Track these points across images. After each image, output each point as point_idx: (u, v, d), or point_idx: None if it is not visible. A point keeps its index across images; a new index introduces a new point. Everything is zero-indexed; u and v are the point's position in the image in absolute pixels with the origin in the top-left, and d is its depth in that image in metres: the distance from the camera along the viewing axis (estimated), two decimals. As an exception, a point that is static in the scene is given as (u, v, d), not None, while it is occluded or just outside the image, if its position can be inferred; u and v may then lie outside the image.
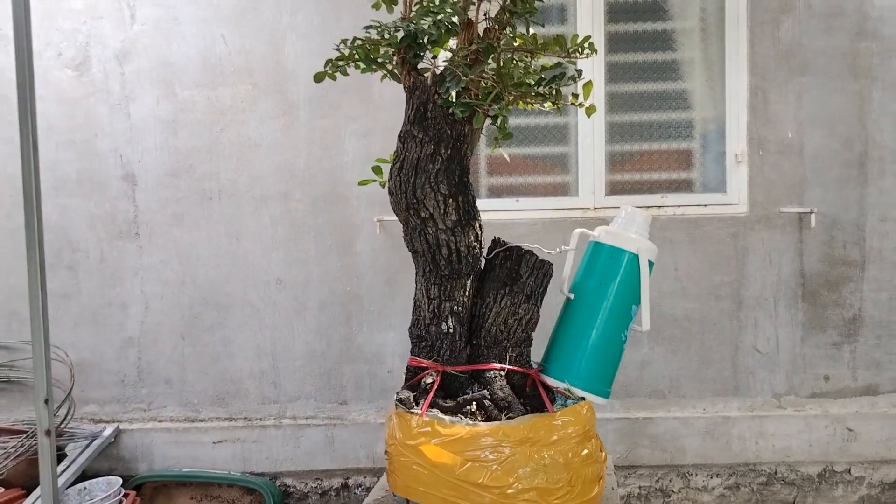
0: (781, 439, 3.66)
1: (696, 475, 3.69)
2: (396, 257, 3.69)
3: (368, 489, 3.68)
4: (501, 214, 3.70)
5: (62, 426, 3.49)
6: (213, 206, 3.77)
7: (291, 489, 3.76)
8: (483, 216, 3.20)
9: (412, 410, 1.85)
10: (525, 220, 3.68)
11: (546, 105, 1.87)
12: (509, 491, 1.73)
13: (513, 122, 3.44)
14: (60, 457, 3.49)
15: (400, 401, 1.91)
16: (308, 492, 3.76)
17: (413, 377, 1.97)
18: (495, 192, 3.80)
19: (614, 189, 3.76)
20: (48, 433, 2.51)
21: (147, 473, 3.71)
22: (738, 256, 3.68)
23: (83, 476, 3.52)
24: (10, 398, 3.79)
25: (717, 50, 3.72)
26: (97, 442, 3.59)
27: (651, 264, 2.05)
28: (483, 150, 3.77)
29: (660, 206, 3.71)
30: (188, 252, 3.79)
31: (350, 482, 3.75)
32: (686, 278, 3.69)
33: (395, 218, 2.02)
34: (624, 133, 3.76)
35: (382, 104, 3.66)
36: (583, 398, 1.95)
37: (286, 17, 3.70)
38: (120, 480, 3.47)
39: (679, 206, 3.71)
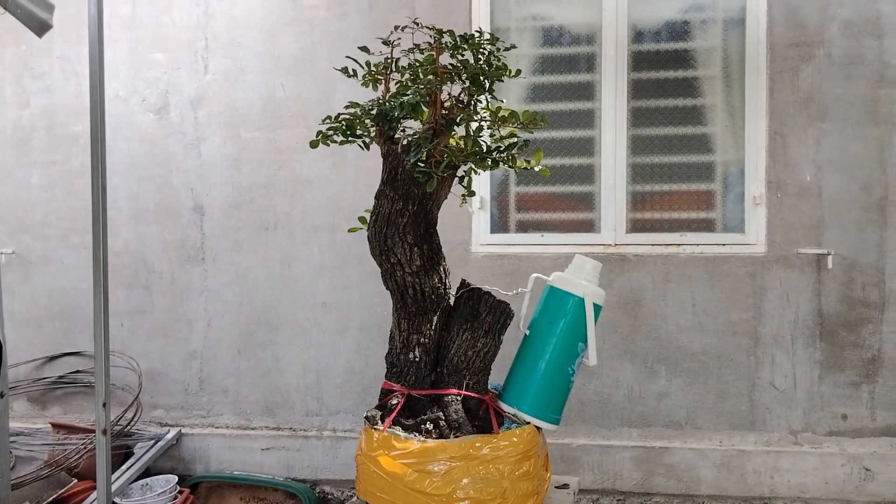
0: (797, 475, 3.74)
1: (711, 506, 3.82)
2: (428, 286, 3.99)
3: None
4: (527, 248, 3.95)
5: (129, 427, 3.96)
6: (269, 235, 4.21)
7: (329, 496, 4.11)
8: (510, 249, 3.57)
9: (375, 426, 2.17)
10: (549, 254, 3.92)
11: (502, 166, 2.16)
12: (447, 499, 2.01)
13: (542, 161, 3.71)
14: (128, 455, 3.97)
15: (367, 418, 2.23)
16: (343, 499, 4.10)
17: (384, 398, 2.29)
18: (522, 227, 4.05)
19: (635, 227, 3.95)
20: (104, 432, 2.98)
21: (203, 474, 4.13)
22: (755, 295, 3.80)
23: (147, 472, 3.98)
24: (92, 401, 4.32)
25: (738, 96, 3.87)
26: (160, 443, 4.05)
27: (598, 307, 2.29)
28: (513, 188, 4.05)
29: (679, 244, 3.88)
30: (246, 276, 4.23)
31: (382, 492, 4.07)
32: (703, 314, 3.84)
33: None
34: (646, 174, 3.95)
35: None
36: (528, 423, 2.21)
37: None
38: (176, 479, 3.91)
39: (698, 245, 3.87)
